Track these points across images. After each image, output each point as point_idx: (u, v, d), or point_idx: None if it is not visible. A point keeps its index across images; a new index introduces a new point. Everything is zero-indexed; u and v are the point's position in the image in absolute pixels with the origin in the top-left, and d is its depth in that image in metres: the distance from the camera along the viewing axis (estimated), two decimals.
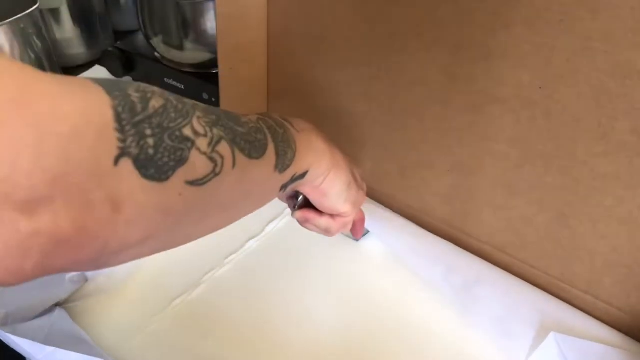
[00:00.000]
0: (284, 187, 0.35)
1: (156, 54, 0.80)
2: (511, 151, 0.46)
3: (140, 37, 0.84)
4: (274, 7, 0.57)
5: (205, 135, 0.25)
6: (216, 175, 0.25)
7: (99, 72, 0.89)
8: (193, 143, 0.24)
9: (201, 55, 0.75)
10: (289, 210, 0.60)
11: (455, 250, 0.53)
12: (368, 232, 0.56)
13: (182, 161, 0.23)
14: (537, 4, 0.39)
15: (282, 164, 0.32)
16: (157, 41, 0.77)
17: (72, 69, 0.91)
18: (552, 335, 0.44)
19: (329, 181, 0.39)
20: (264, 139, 0.31)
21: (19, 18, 0.55)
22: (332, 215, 0.43)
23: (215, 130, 0.26)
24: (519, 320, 0.47)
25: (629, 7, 0.36)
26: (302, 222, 0.45)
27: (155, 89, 0.24)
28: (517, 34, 0.41)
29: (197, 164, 0.24)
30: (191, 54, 0.75)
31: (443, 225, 0.55)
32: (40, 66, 0.60)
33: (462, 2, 0.43)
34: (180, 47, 0.75)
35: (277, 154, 0.32)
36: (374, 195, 0.60)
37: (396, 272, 0.54)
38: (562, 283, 0.49)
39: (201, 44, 0.74)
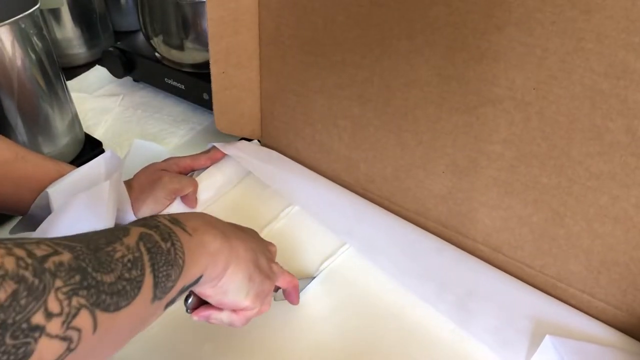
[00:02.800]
0: (170, 303, 0.32)
1: (156, 54, 0.80)
2: (506, 152, 0.46)
3: (140, 37, 0.84)
4: (265, 10, 0.57)
5: (61, 314, 0.23)
6: (71, 351, 0.23)
7: (99, 72, 0.90)
8: (42, 330, 0.22)
9: (201, 55, 0.75)
10: (284, 214, 0.61)
11: (446, 264, 0.53)
12: (314, 278, 0.53)
13: (26, 357, 0.21)
14: (529, 5, 0.39)
15: (161, 290, 0.30)
16: (157, 41, 0.77)
17: (72, 69, 0.91)
18: (547, 339, 0.44)
19: (227, 277, 0.37)
20: (140, 274, 0.28)
21: (19, 18, 0.55)
22: (234, 310, 0.41)
23: (74, 301, 0.24)
24: (514, 329, 0.47)
25: (622, 7, 0.36)
26: (203, 320, 0.42)
27: (9, 265, 0.22)
28: (509, 36, 0.41)
29: (46, 351, 0.22)
30: (191, 54, 0.76)
31: (438, 226, 0.55)
32: (41, 66, 0.60)
33: (454, 4, 0.43)
34: (181, 47, 0.75)
35: (156, 285, 0.29)
36: (369, 197, 0.60)
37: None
38: (559, 282, 0.49)
39: (201, 44, 0.74)
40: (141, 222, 0.32)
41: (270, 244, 0.47)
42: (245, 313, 0.41)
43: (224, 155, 0.64)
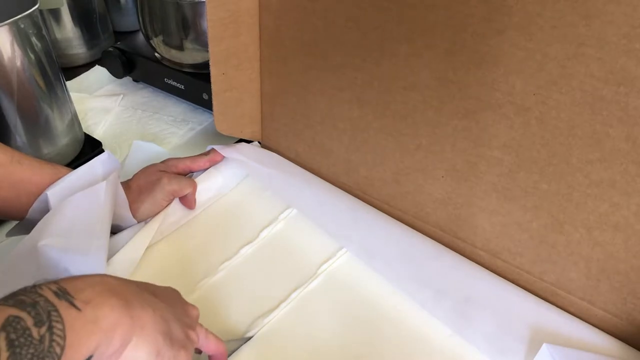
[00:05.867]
0: None
1: (156, 54, 0.80)
2: (505, 157, 0.46)
3: (140, 38, 0.84)
4: (265, 12, 0.57)
5: None
6: None
7: (99, 72, 0.90)
8: None
9: (201, 55, 0.75)
10: (283, 216, 0.60)
11: (444, 269, 0.52)
12: (249, 339, 0.48)
13: None
14: (530, 9, 0.39)
15: None
16: (157, 41, 0.77)
17: (72, 69, 0.91)
18: (545, 347, 0.43)
19: (128, 354, 0.32)
20: None
21: (19, 18, 0.55)
22: None
23: None
24: (512, 336, 0.46)
25: (622, 13, 0.35)
26: None
27: None
28: (509, 40, 0.41)
29: None
30: (191, 54, 0.75)
31: (437, 230, 0.55)
32: (41, 66, 0.60)
33: (453, 8, 0.42)
34: (180, 47, 0.75)
35: None
36: (368, 200, 0.60)
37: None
38: (558, 289, 0.49)
39: (201, 44, 0.74)
40: (18, 297, 0.28)
41: (191, 307, 0.42)
42: None
43: (223, 157, 0.63)
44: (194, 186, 0.59)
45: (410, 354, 0.47)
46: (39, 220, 0.46)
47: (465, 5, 0.42)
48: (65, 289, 0.30)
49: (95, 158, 0.52)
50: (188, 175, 0.62)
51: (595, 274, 0.46)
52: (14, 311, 0.26)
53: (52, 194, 0.48)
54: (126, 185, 0.56)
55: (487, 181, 0.48)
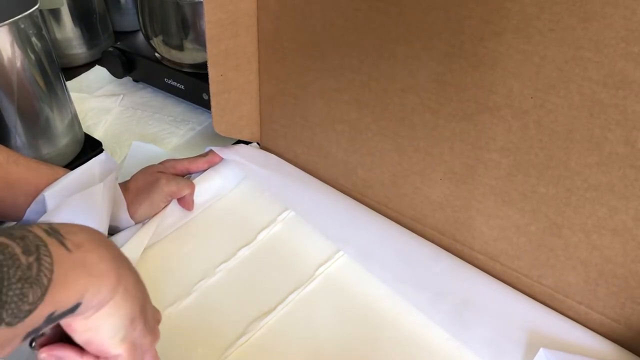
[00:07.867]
0: (33, 333, 0.26)
1: (156, 54, 0.80)
2: (503, 160, 0.46)
3: (140, 38, 0.84)
4: (263, 13, 0.57)
5: None
6: None
7: (99, 72, 0.90)
8: None
9: (201, 56, 0.75)
10: (281, 218, 0.60)
11: (442, 272, 0.52)
12: None
13: None
14: (528, 12, 0.39)
15: (12, 314, 0.24)
16: (157, 41, 0.77)
17: (72, 69, 0.92)
18: (541, 352, 0.43)
19: (108, 309, 0.30)
20: None
21: (19, 18, 0.55)
22: (97, 357, 0.32)
23: None
24: (509, 340, 0.46)
25: (621, 17, 0.35)
26: None
27: None
28: (507, 43, 0.41)
29: None
30: (191, 54, 0.75)
31: (435, 233, 0.55)
32: (41, 66, 0.60)
33: (452, 10, 0.42)
34: (180, 48, 0.75)
35: (2, 305, 0.24)
36: (366, 202, 0.60)
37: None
38: (556, 293, 0.48)
39: (201, 44, 0.74)
40: (8, 230, 0.26)
41: (157, 310, 0.40)
42: None
43: (222, 158, 0.63)
44: (192, 188, 0.59)
45: (407, 357, 0.47)
46: (36, 221, 0.46)
47: (463, 8, 0.42)
48: (56, 228, 0.28)
49: (93, 159, 0.52)
50: (186, 176, 0.62)
51: (593, 278, 0.45)
52: (2, 239, 0.25)
53: (49, 195, 0.48)
54: (124, 186, 0.56)
55: (485, 184, 0.48)
